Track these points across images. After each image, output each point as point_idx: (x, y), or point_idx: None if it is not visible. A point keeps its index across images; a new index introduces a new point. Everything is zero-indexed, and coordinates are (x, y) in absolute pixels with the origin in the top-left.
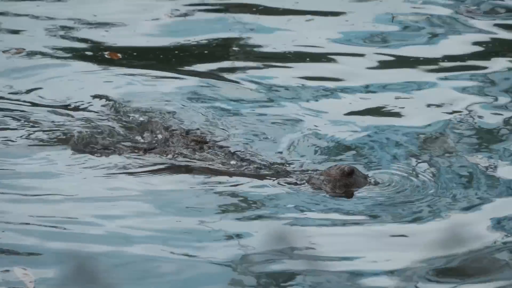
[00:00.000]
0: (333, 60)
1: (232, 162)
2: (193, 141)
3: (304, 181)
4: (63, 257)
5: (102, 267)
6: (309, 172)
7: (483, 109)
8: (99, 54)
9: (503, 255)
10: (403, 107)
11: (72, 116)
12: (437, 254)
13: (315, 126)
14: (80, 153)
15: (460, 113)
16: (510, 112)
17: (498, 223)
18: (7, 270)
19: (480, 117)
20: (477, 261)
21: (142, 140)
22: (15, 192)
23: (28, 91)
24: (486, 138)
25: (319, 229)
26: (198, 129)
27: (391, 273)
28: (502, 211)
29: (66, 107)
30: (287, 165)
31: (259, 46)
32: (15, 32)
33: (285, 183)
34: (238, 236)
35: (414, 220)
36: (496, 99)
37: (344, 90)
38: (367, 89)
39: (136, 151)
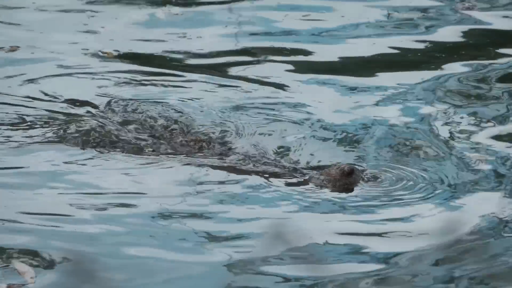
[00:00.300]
0: (330, 55)
1: (232, 161)
2: (192, 140)
3: (304, 180)
4: (61, 255)
5: (100, 266)
6: (309, 171)
7: (480, 103)
8: (94, 52)
9: (499, 247)
10: (400, 103)
11: (68, 114)
12: (437, 250)
13: (314, 123)
14: (78, 151)
15: (456, 107)
16: (507, 105)
17: (496, 218)
18: (7, 266)
19: (477, 111)
20: (476, 254)
21: (140, 139)
22: (13, 190)
23: (23, 88)
24: (482, 132)
25: (319, 229)
26: (197, 127)
27: (391, 270)
28: (497, 205)
29: (61, 104)
30: (286, 164)
31: (257, 41)
32: (10, 26)
33: (285, 182)
34: (237, 236)
35: (413, 217)
36: (491, 92)
37: (341, 85)
38: (364, 83)
39: (134, 149)
